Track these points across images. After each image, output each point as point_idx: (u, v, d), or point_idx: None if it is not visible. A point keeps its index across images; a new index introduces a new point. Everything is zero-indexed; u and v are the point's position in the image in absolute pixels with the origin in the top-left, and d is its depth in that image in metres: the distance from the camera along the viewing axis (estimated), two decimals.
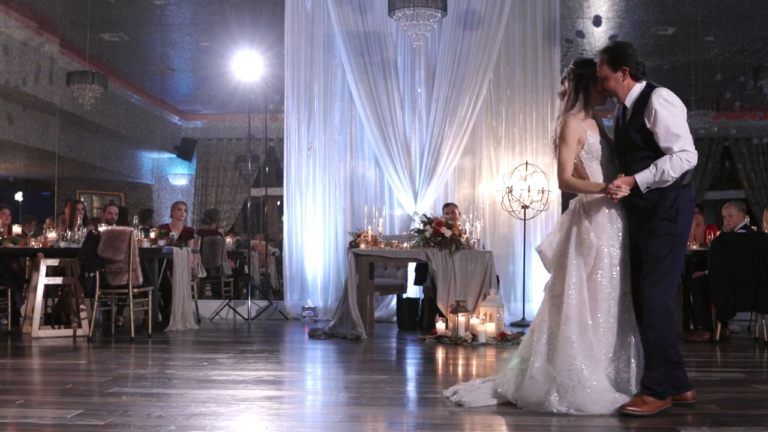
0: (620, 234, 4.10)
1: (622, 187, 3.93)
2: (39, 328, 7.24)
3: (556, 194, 9.11)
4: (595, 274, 4.06)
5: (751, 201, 12.92)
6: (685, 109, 3.98)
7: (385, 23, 9.12)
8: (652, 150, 3.94)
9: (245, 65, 9.42)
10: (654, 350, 3.92)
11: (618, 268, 4.08)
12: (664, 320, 3.90)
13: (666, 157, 3.89)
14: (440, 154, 9.12)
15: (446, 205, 8.71)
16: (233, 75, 9.76)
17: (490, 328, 6.96)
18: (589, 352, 3.97)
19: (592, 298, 4.04)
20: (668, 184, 3.91)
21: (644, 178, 3.91)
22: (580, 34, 10.55)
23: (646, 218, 3.98)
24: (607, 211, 4.10)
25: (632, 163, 4.00)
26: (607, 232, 4.09)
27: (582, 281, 4.06)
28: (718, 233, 7.49)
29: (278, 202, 12.75)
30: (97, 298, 7.13)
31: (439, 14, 8.03)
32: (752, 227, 7.65)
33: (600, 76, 4.08)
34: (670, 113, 3.89)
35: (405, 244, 7.71)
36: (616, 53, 4.04)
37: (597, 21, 10.24)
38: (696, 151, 3.93)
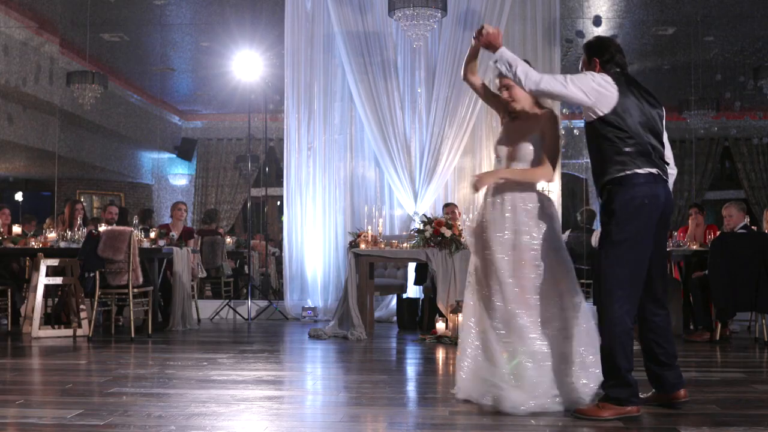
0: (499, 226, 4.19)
1: (490, 30, 4.12)
2: (39, 328, 7.24)
3: (555, 195, 9.10)
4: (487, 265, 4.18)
5: (751, 201, 12.91)
6: (597, 83, 3.83)
7: (385, 23, 9.12)
8: (603, 138, 3.87)
9: (245, 65, 9.42)
10: (603, 359, 3.86)
11: (503, 263, 4.10)
12: (607, 328, 3.81)
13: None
14: (440, 154, 9.12)
15: (446, 205, 8.70)
16: (233, 75, 9.76)
17: None
18: (485, 343, 4.08)
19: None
20: (510, 72, 3.94)
21: (507, 53, 4.03)
22: (580, 34, 10.55)
23: None
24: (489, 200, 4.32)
25: (594, 150, 3.97)
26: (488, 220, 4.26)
27: (476, 271, 4.22)
28: (718, 233, 7.50)
29: (278, 202, 12.75)
30: (97, 298, 7.13)
31: (439, 14, 8.03)
32: (752, 227, 7.65)
33: (580, 69, 4.13)
34: (577, 75, 3.92)
35: (405, 244, 7.71)
36: (592, 45, 4.08)
37: (597, 21, 10.23)
38: (541, 83, 3.83)
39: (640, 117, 3.86)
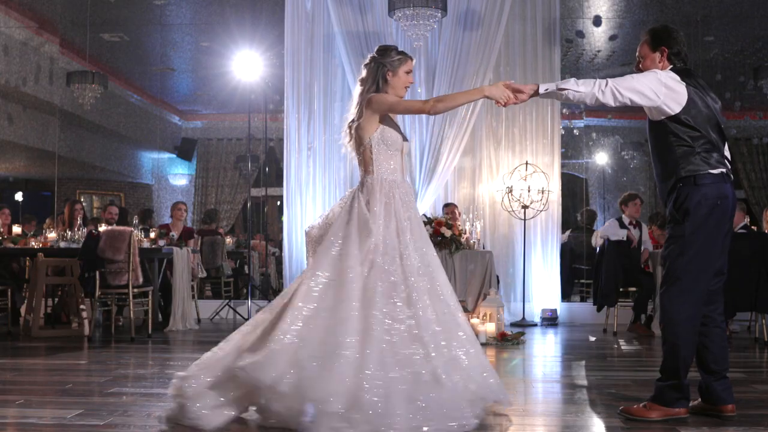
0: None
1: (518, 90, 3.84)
2: (39, 328, 7.24)
3: (556, 194, 9.10)
4: None
5: (751, 201, 12.91)
6: (665, 81, 3.72)
7: (385, 23, 9.12)
8: (674, 136, 3.77)
9: (245, 65, 9.42)
10: (665, 357, 3.81)
11: None
12: (674, 330, 3.74)
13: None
14: (440, 154, 9.11)
15: (446, 205, 8.70)
16: (233, 75, 9.75)
17: (490, 328, 6.96)
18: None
19: None
20: (565, 96, 3.74)
21: (546, 86, 3.80)
22: (580, 34, 10.55)
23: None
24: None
25: (662, 149, 3.84)
26: None
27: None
28: None
29: (278, 202, 12.74)
30: (97, 298, 7.13)
31: (439, 14, 8.03)
32: (752, 227, 7.65)
33: (638, 55, 4.01)
34: (643, 74, 3.80)
35: None
36: (659, 33, 3.92)
37: (597, 21, 10.24)
38: (616, 95, 3.68)
39: (707, 114, 3.78)
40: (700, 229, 3.73)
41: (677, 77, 3.78)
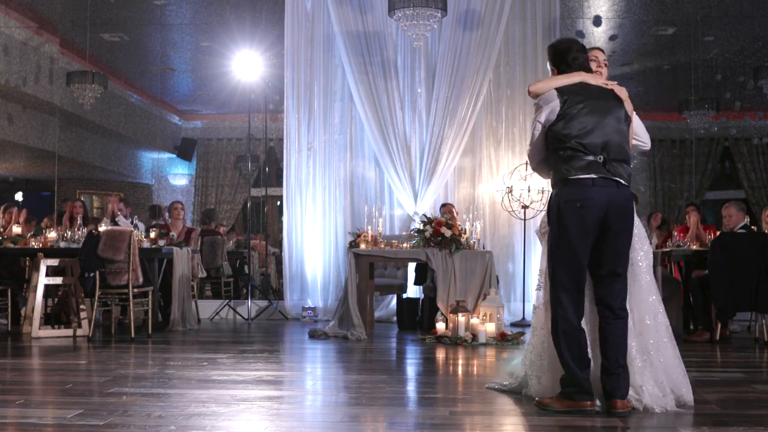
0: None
1: None
2: (39, 328, 7.24)
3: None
4: None
5: (751, 201, 12.90)
6: (543, 109, 3.97)
7: (385, 23, 9.13)
8: (548, 147, 4.03)
9: (245, 65, 9.42)
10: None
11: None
12: (553, 329, 3.94)
13: None
14: (440, 154, 9.12)
15: (443, 205, 8.69)
16: (233, 75, 9.75)
17: (490, 328, 6.96)
18: None
19: None
20: None
21: None
22: (580, 34, 10.55)
23: None
24: None
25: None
26: None
27: None
28: (718, 233, 7.50)
29: (278, 202, 12.74)
30: (97, 298, 7.13)
31: (439, 14, 8.03)
32: (752, 227, 7.65)
33: None
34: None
35: (405, 244, 7.71)
36: (548, 54, 4.20)
37: (597, 21, 10.24)
38: (530, 157, 4.15)
39: (584, 123, 3.89)
40: (560, 231, 3.92)
41: (554, 95, 3.94)
